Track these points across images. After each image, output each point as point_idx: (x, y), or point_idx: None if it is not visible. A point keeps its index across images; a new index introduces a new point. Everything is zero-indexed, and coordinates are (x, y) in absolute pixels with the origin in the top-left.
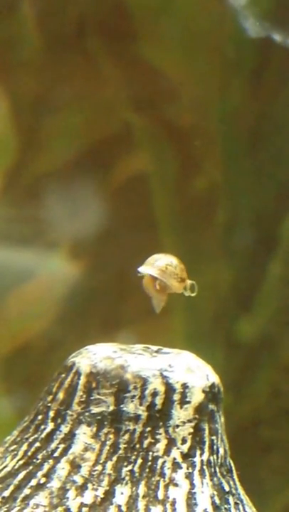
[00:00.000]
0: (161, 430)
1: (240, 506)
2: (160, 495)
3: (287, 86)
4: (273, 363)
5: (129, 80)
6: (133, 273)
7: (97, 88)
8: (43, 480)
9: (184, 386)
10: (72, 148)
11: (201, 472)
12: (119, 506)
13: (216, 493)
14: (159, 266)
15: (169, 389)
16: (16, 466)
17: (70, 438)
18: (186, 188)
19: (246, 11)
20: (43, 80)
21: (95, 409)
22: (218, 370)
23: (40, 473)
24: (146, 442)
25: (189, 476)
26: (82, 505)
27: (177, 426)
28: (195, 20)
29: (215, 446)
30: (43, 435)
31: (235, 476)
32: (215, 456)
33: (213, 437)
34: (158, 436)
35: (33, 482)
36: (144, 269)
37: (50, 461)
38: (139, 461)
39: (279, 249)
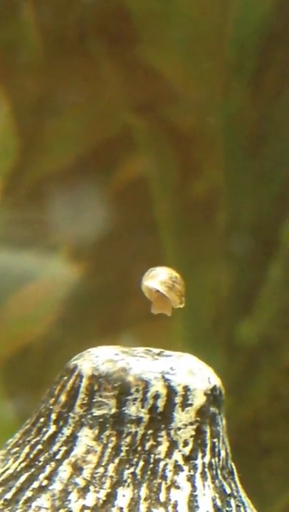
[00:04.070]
0: (163, 433)
1: (242, 509)
2: (162, 497)
3: (288, 88)
4: (273, 365)
5: (131, 82)
6: (134, 276)
7: (99, 91)
8: (45, 482)
9: (186, 389)
10: (73, 150)
11: (203, 474)
12: (121, 509)
13: (217, 495)
14: (168, 283)
15: (171, 391)
16: (18, 469)
17: (72, 440)
18: (187, 190)
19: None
20: (44, 83)
21: (97, 412)
22: (219, 373)
23: (42, 476)
24: (148, 445)
25: (191, 479)
26: (84, 507)
27: (179, 428)
28: (196, 22)
29: (216, 449)
30: (45, 437)
31: (236, 479)
32: (216, 459)
33: (215, 440)
34: (160, 439)
35: (35, 484)
36: (154, 285)
37: (52, 464)
38: (141, 463)
39: (279, 252)
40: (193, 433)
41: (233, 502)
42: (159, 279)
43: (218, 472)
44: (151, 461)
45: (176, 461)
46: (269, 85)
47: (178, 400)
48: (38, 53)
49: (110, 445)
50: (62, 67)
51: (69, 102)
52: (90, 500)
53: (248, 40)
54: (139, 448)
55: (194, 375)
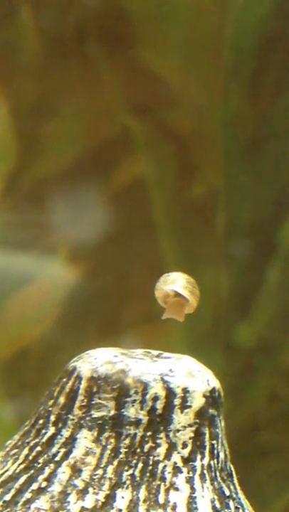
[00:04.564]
0: (162, 435)
1: (241, 511)
2: (161, 499)
3: (286, 91)
4: (272, 367)
5: (129, 85)
6: (133, 278)
7: (97, 93)
8: (44, 484)
9: (185, 391)
10: (71, 153)
11: (202, 476)
12: (120, 510)
13: (216, 497)
14: (189, 287)
15: (170, 393)
16: (17, 470)
17: (71, 442)
18: (185, 193)
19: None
20: (42, 85)
21: (96, 414)
22: (217, 375)
23: (41, 478)
24: (147, 447)
25: (190, 481)
26: (83, 509)
27: (178, 430)
28: (194, 25)
29: (215, 451)
30: (44, 439)
31: (235, 481)
32: (215, 461)
33: (214, 442)
34: (159, 441)
35: (34, 486)
36: (177, 289)
37: (51, 465)
38: (140, 465)
39: (278, 254)
40: (192, 435)
41: (231, 504)
42: (179, 283)
43: (217, 474)
44: (150, 463)
45: (175, 463)
46: (267, 88)
47: (177, 401)
48: (36, 55)
49: (109, 447)
50: (61, 69)
51: (68, 103)
52: (89, 502)
53: (247, 43)
54: (138, 450)
55: (193, 377)
